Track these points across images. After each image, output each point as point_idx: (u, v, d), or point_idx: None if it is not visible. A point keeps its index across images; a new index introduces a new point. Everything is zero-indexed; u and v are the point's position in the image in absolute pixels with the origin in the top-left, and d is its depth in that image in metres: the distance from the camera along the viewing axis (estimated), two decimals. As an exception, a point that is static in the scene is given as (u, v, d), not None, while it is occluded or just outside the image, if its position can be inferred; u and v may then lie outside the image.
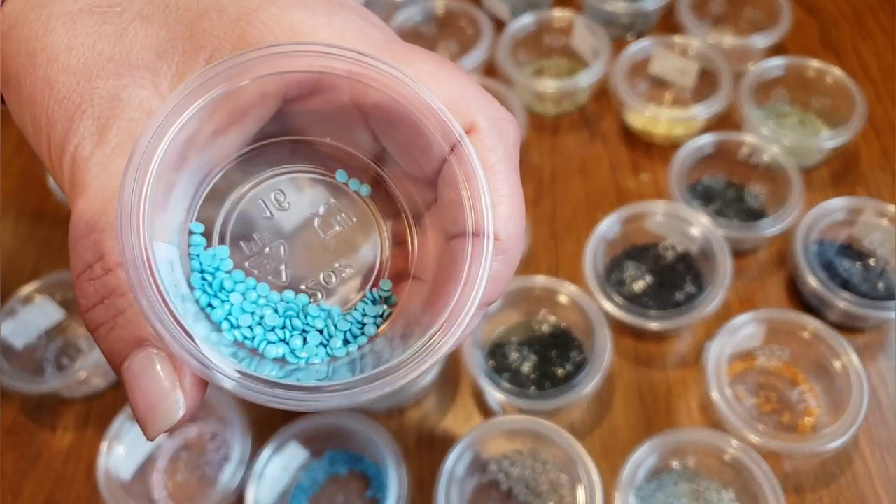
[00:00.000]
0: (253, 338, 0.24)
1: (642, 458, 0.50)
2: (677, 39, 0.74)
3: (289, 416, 0.55)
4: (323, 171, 0.27)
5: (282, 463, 0.53)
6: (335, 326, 0.25)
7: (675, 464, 0.52)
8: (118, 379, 0.23)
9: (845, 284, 0.58)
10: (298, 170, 0.27)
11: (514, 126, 0.26)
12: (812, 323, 0.55)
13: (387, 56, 0.23)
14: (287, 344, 0.25)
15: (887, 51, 0.77)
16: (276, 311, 0.25)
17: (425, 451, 0.56)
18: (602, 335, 0.55)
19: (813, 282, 0.57)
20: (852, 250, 0.61)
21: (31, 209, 0.74)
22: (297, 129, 0.26)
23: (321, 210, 0.27)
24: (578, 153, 0.73)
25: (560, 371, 0.57)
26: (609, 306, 0.57)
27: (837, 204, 0.61)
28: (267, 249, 0.26)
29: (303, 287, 0.26)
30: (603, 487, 0.49)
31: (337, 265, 0.27)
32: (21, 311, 0.62)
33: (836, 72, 0.69)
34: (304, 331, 0.25)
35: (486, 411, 0.58)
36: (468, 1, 0.82)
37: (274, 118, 0.25)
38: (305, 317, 0.25)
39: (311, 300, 0.26)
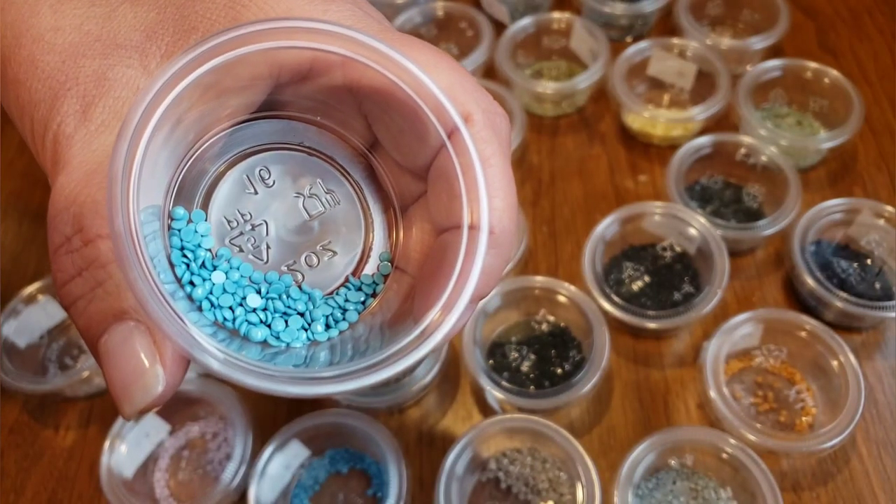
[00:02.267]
0: (234, 319, 0.23)
1: (641, 456, 0.50)
2: (675, 41, 0.74)
3: (290, 415, 0.55)
4: (311, 149, 0.26)
5: (283, 461, 0.54)
6: (317, 310, 0.25)
7: (673, 462, 0.52)
8: (94, 355, 0.22)
9: (842, 284, 0.58)
10: (285, 146, 0.26)
11: (507, 120, 0.25)
12: (809, 322, 0.55)
13: None
14: (268, 326, 0.24)
15: (884, 52, 0.78)
16: (258, 292, 0.24)
17: (426, 449, 0.56)
18: (601, 335, 0.55)
19: (810, 281, 0.58)
20: (849, 250, 0.61)
21: (34, 210, 0.74)
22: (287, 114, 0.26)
23: (307, 190, 0.26)
24: (577, 154, 0.73)
25: (559, 370, 0.57)
26: (607, 306, 0.58)
27: (835, 204, 0.61)
28: (249, 227, 0.25)
29: (284, 268, 0.25)
30: (601, 485, 0.50)
31: (320, 247, 0.26)
32: (24, 311, 0.63)
33: (834, 73, 0.70)
34: (285, 313, 0.24)
35: (485, 410, 0.58)
36: (468, 3, 0.82)
37: (263, 104, 0.25)
38: (287, 298, 0.25)
39: (293, 282, 0.25)
